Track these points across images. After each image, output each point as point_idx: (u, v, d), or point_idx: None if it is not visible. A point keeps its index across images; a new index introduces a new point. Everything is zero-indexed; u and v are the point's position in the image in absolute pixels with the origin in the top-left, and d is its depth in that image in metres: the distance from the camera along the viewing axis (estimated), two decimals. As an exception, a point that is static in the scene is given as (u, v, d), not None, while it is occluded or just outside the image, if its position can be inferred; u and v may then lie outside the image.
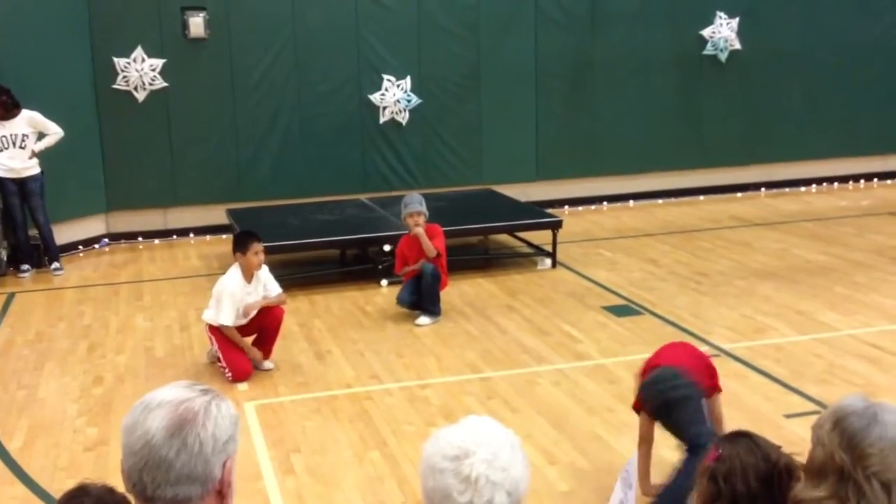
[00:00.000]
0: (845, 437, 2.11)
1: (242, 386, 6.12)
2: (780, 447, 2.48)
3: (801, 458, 2.43)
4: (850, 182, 12.32)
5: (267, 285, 6.44)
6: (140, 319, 7.62)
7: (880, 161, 12.41)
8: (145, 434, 1.72)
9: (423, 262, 7.31)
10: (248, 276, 6.29)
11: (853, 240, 9.40)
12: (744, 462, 2.36)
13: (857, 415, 2.14)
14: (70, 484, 2.38)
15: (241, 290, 6.24)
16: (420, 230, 7.29)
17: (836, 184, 12.26)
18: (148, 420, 1.73)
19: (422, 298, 7.30)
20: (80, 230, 9.92)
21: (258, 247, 6.30)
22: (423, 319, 7.25)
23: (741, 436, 2.48)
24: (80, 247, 9.90)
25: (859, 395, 2.23)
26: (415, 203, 7.36)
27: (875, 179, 12.39)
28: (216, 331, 6.23)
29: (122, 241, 10.21)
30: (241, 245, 6.32)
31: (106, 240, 10.16)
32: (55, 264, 9.06)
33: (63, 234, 9.50)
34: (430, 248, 7.29)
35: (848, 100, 12.03)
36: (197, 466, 1.72)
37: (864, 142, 12.21)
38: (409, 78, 10.65)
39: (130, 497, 1.78)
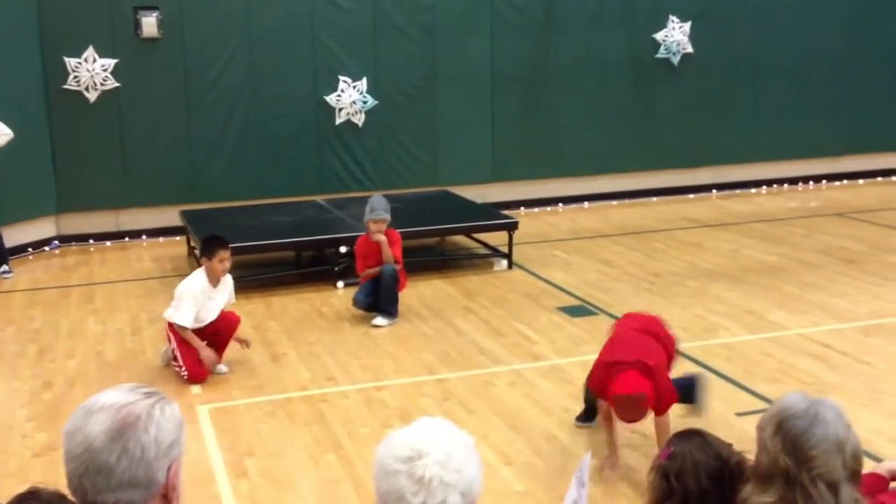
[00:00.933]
0: (788, 440, 2.14)
1: (196, 389, 6.06)
2: (730, 445, 2.51)
3: (752, 455, 2.47)
4: (800, 184, 12.54)
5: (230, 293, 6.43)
6: (91, 323, 7.51)
7: (829, 163, 12.64)
8: (86, 439, 1.70)
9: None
10: (214, 281, 6.25)
11: (802, 240, 9.57)
12: (695, 460, 2.38)
13: (798, 417, 2.16)
14: (19, 490, 2.34)
15: (204, 294, 6.19)
16: (382, 237, 7.28)
17: (786, 185, 12.48)
18: (89, 424, 1.71)
19: (380, 299, 7.29)
20: (30, 232, 9.75)
21: (225, 254, 6.25)
22: (380, 320, 7.24)
23: (693, 434, 2.50)
24: (30, 249, 9.72)
25: (800, 393, 2.26)
26: (380, 210, 7.31)
27: (824, 181, 12.62)
28: (176, 329, 6.18)
29: (73, 243, 10.05)
30: (207, 251, 6.27)
31: (56, 242, 10.00)
32: (4, 267, 8.89)
33: (12, 236, 9.32)
34: (390, 256, 7.29)
35: (797, 103, 12.24)
36: (138, 472, 1.70)
37: (813, 144, 12.44)
38: (365, 79, 10.63)
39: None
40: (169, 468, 1.74)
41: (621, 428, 4.95)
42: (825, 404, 2.21)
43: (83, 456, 1.70)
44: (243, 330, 7.15)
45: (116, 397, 1.75)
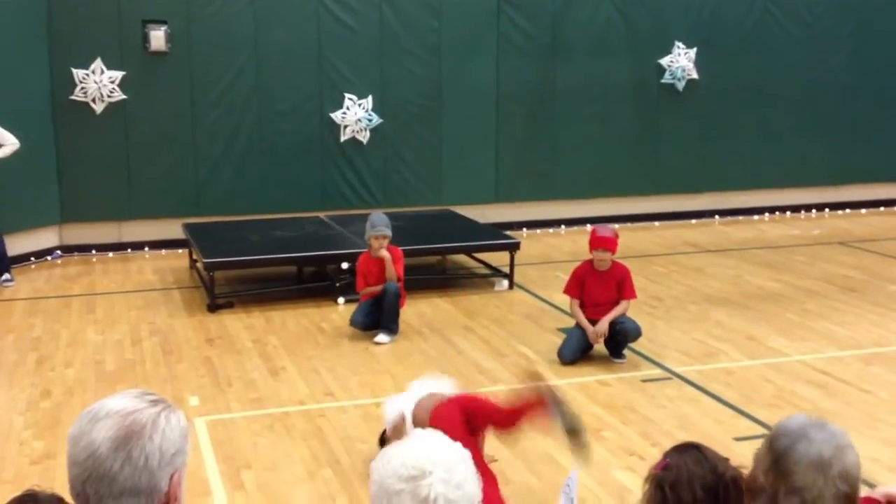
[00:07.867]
0: (773, 456, 2.14)
1: (194, 401, 6.05)
2: (727, 460, 2.51)
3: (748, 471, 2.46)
4: (802, 211, 12.56)
5: None
6: (91, 333, 7.51)
7: (831, 192, 12.67)
8: (90, 445, 1.69)
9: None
10: None
11: (804, 268, 9.57)
12: (691, 472, 2.39)
13: (786, 434, 2.16)
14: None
15: None
16: (386, 254, 7.29)
17: (788, 213, 12.50)
18: (94, 431, 1.71)
19: (382, 316, 7.28)
20: (33, 241, 9.77)
21: None
22: (382, 337, 7.23)
23: (690, 447, 2.51)
24: (33, 258, 9.74)
25: (803, 415, 2.26)
26: (381, 225, 7.33)
27: (826, 209, 12.64)
28: None
29: (76, 253, 10.07)
30: None
31: (58, 252, 10.02)
32: (6, 275, 8.90)
33: (15, 245, 9.35)
34: (393, 273, 7.29)
35: (800, 131, 12.29)
36: (141, 480, 1.69)
37: (816, 172, 12.48)
38: (370, 97, 10.68)
39: None
40: (172, 476, 1.74)
41: (621, 449, 4.93)
42: (819, 425, 2.19)
43: (87, 462, 1.69)
44: (242, 342, 7.18)
45: (123, 404, 1.75)
